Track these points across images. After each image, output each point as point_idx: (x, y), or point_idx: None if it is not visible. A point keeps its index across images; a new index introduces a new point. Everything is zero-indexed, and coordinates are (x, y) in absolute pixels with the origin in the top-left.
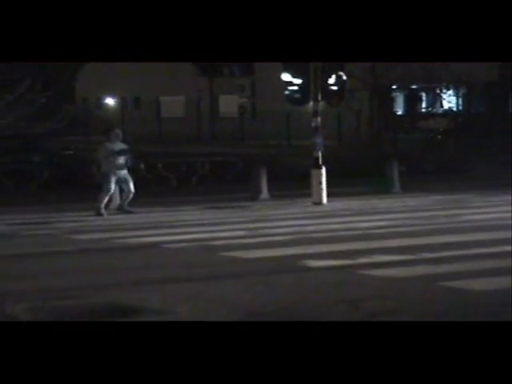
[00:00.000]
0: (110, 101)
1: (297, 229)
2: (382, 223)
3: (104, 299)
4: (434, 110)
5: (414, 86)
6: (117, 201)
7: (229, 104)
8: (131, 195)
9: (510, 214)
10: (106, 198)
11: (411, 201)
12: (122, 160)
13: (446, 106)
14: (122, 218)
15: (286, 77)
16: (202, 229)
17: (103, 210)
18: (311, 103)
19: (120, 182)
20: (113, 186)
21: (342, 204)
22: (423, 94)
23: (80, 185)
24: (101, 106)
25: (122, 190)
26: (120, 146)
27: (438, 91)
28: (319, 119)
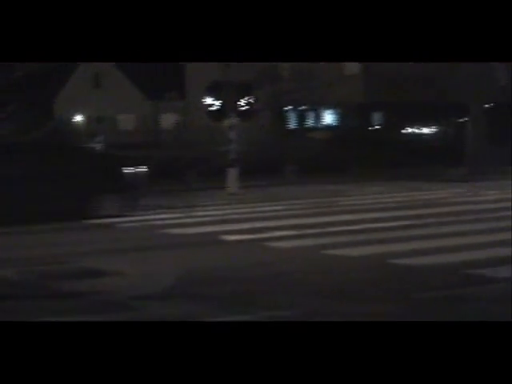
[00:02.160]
0: (78, 118)
1: (216, 212)
2: (279, 207)
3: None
4: (318, 125)
5: (303, 107)
6: None
7: (168, 120)
8: None
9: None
10: None
11: (301, 190)
12: None
13: (327, 121)
14: None
15: (208, 100)
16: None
17: None
18: (227, 120)
19: None
20: None
21: (251, 194)
22: (310, 113)
23: None
24: (71, 122)
25: None
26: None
27: (321, 111)
28: (234, 132)
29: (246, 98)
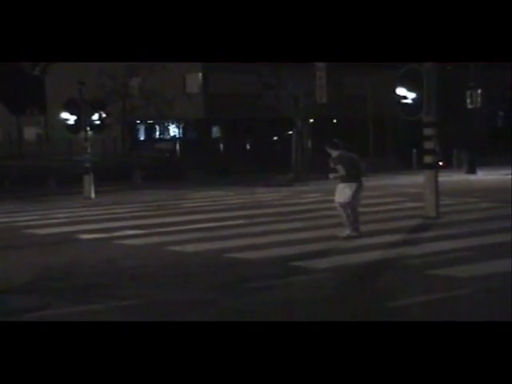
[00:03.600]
0: None
1: (72, 214)
2: (129, 210)
3: None
4: (164, 137)
5: (150, 121)
6: None
7: (30, 133)
8: None
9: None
10: None
11: (149, 194)
12: None
13: (171, 134)
14: None
15: (64, 115)
16: (12, 215)
17: None
18: (82, 132)
19: None
20: None
21: (104, 198)
22: (157, 127)
23: None
24: None
25: None
26: None
27: (166, 124)
28: (87, 143)
29: (99, 113)
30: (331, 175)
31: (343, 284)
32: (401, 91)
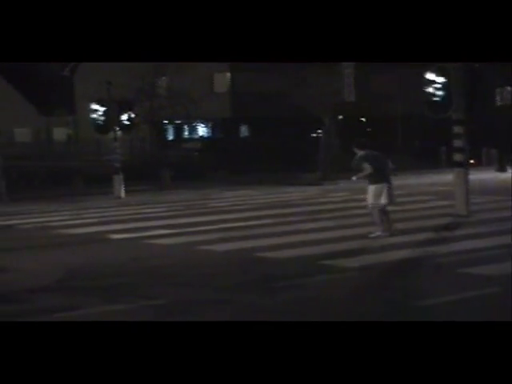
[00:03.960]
0: None
1: (102, 214)
2: (158, 210)
3: None
4: (192, 137)
5: (178, 121)
6: None
7: (60, 133)
8: None
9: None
10: None
11: (177, 194)
12: None
13: (199, 133)
14: None
15: (93, 115)
16: (43, 215)
17: None
18: (111, 133)
19: None
20: None
21: (134, 198)
22: (185, 126)
23: None
24: None
25: None
26: None
27: (193, 124)
28: (116, 143)
29: (127, 113)
30: (354, 177)
31: (373, 283)
32: (429, 89)
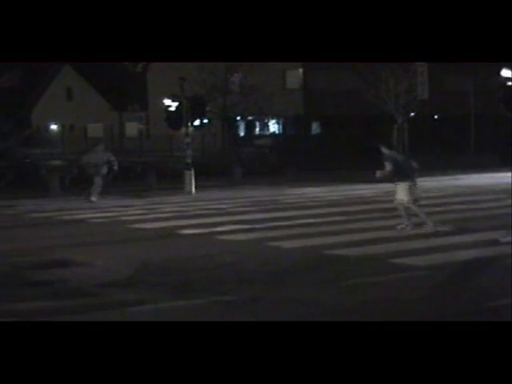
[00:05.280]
0: (53, 126)
1: (174, 209)
2: (229, 205)
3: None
4: (263, 133)
5: (250, 118)
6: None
7: (132, 129)
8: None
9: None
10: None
11: (249, 190)
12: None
13: (271, 130)
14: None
15: (165, 111)
16: (116, 209)
17: (93, 198)
18: (183, 128)
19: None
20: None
21: (205, 193)
22: (256, 123)
23: (33, 183)
24: (48, 129)
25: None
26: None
27: (265, 121)
28: (189, 138)
29: (199, 109)
30: (378, 173)
31: (442, 282)
32: (505, 88)
